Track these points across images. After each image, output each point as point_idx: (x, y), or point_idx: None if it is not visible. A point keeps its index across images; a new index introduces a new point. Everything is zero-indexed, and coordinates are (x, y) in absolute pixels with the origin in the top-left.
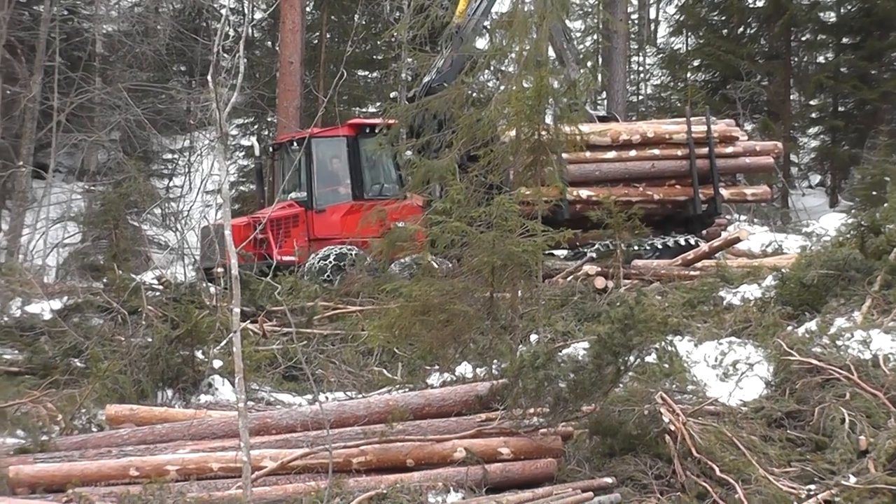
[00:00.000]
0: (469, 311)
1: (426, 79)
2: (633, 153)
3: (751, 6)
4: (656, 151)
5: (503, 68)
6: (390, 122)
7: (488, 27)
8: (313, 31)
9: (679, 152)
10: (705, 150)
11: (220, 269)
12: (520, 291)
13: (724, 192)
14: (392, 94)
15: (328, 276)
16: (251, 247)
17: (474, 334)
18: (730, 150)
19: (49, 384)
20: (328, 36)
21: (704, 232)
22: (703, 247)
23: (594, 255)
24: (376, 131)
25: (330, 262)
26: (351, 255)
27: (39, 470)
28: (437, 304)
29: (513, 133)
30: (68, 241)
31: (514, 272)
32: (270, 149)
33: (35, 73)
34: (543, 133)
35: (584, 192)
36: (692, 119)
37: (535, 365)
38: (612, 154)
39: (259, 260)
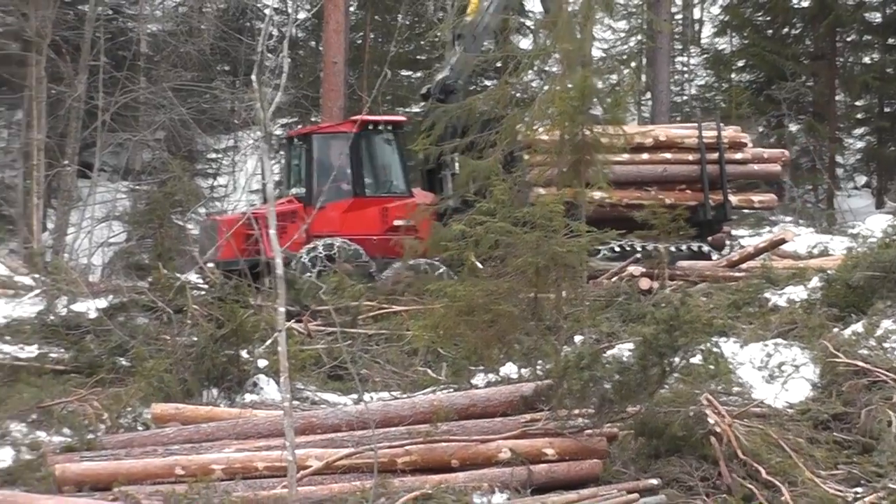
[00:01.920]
0: (514, 312)
1: (439, 76)
2: (645, 156)
3: (796, 6)
4: (668, 155)
5: (547, 68)
6: (398, 118)
7: (501, 25)
8: (357, 31)
9: (690, 157)
10: (714, 156)
11: (210, 265)
12: (564, 292)
13: (733, 199)
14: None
15: (319, 268)
16: (241, 242)
17: (519, 335)
18: (739, 156)
19: (95, 383)
20: (372, 36)
21: (710, 238)
22: (749, 248)
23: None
24: (380, 128)
25: (319, 253)
26: (341, 247)
27: (85, 468)
28: (481, 304)
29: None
30: (113, 240)
31: (559, 272)
32: (283, 142)
33: (80, 73)
34: (587, 133)
35: (598, 195)
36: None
37: (580, 366)
38: (625, 156)
39: (252, 256)
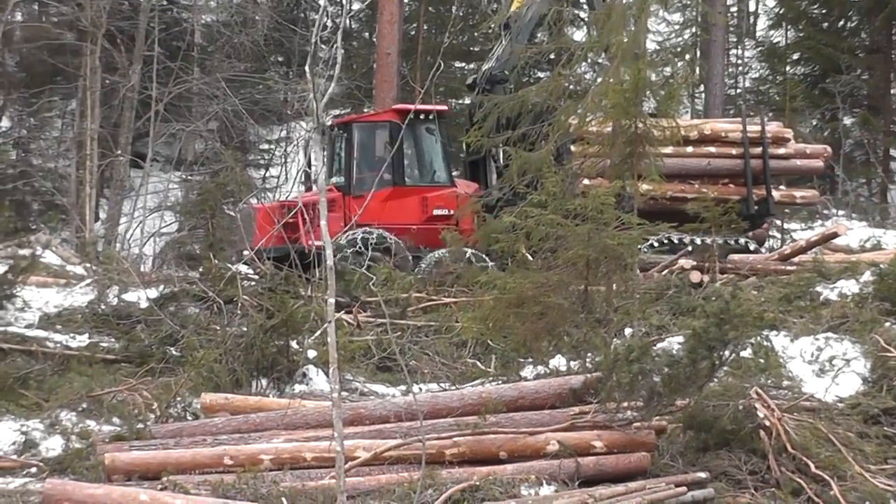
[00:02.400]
0: (563, 304)
1: (485, 66)
2: (689, 149)
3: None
4: (712, 149)
5: (601, 60)
6: (440, 108)
7: (555, 16)
8: (411, 22)
9: (734, 151)
10: (758, 151)
11: (246, 253)
12: (615, 285)
13: (775, 194)
14: None
15: (362, 258)
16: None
17: (568, 327)
18: (782, 151)
19: (145, 372)
20: (425, 27)
21: (751, 233)
22: (800, 241)
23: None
24: (421, 117)
25: (344, 252)
26: (364, 238)
27: (135, 457)
28: (531, 296)
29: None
30: (165, 230)
31: (610, 265)
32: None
33: (134, 63)
34: (640, 125)
35: (643, 187)
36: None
37: (629, 359)
38: (669, 149)
39: (290, 244)
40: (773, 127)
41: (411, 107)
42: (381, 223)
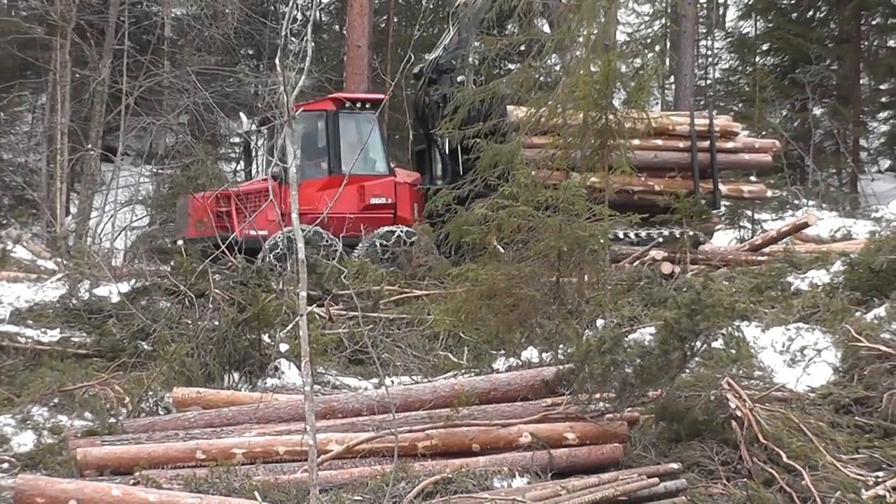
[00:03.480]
0: (535, 296)
1: (433, 55)
2: (636, 141)
3: None
4: (659, 142)
5: (571, 51)
6: (378, 96)
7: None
8: (381, 14)
9: (681, 144)
10: (705, 144)
11: (179, 243)
12: (586, 276)
13: (723, 188)
14: (459, 78)
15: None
16: (213, 220)
17: (540, 319)
18: (730, 145)
19: (117, 367)
20: (396, 19)
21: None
22: (771, 231)
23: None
24: (358, 106)
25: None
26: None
27: (107, 452)
28: (503, 288)
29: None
30: (136, 223)
31: (581, 256)
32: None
33: (104, 57)
34: (611, 117)
35: (592, 179)
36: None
37: (601, 350)
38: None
39: (224, 233)
40: (722, 120)
41: (348, 95)
42: (318, 212)
